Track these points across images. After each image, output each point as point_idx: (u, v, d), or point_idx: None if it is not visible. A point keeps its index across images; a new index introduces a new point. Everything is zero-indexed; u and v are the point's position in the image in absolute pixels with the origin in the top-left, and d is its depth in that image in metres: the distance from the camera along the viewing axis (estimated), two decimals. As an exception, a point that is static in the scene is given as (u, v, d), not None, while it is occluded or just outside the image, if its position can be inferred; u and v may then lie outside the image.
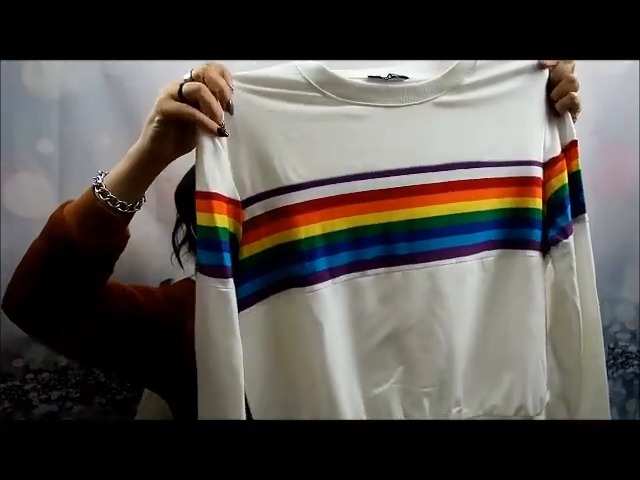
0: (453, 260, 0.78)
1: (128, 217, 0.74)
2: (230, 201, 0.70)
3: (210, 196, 0.68)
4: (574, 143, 0.83)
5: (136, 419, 1.05)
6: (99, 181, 0.71)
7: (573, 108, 0.81)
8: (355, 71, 0.77)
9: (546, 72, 0.81)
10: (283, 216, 0.71)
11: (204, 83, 0.67)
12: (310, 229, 0.72)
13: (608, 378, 1.45)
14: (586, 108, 1.32)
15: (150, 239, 1.15)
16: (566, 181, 0.82)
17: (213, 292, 0.69)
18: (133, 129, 1.14)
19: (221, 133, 0.68)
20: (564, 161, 0.82)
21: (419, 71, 0.79)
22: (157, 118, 0.67)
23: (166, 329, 0.82)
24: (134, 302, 0.81)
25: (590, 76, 1.30)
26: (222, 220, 0.68)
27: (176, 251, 0.97)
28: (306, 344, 0.74)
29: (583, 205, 0.83)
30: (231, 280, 0.70)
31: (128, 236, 0.77)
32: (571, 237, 0.82)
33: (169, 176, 1.15)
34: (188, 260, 1.00)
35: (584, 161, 1.37)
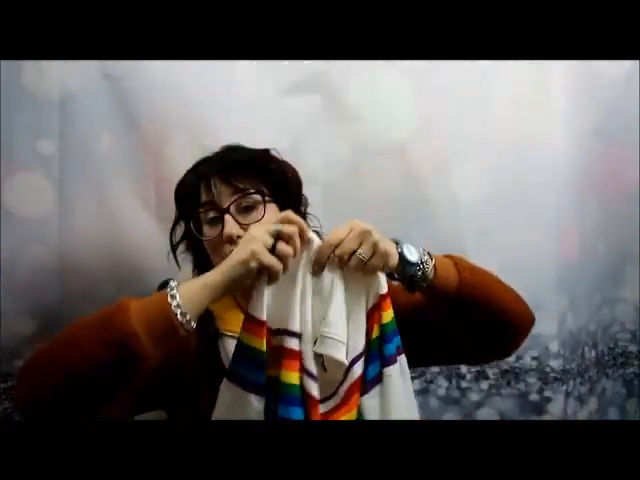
0: None
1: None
2: (269, 330, 0.74)
3: (263, 324, 0.73)
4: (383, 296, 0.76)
5: (136, 419, 1.05)
6: (176, 299, 0.69)
7: (364, 275, 0.75)
8: None
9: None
10: (282, 356, 0.74)
11: (287, 241, 0.72)
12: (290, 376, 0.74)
13: (608, 378, 1.48)
14: (587, 108, 1.34)
15: (150, 238, 1.15)
16: (377, 334, 0.77)
17: (248, 407, 0.73)
18: (132, 129, 1.14)
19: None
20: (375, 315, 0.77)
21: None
22: (253, 264, 0.71)
23: (167, 360, 0.83)
24: None
25: (591, 77, 1.30)
26: (264, 345, 0.73)
27: (173, 249, 0.96)
28: None
29: (390, 356, 0.77)
30: (264, 400, 0.73)
31: None
32: (375, 390, 0.77)
33: (168, 175, 1.16)
34: (185, 259, 1.00)
35: (585, 161, 1.39)
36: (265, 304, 0.73)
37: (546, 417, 1.28)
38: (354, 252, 0.73)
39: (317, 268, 0.74)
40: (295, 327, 0.73)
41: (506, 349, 0.95)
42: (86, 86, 1.11)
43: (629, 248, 1.40)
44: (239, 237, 0.83)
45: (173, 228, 0.94)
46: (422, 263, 0.79)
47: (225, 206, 0.85)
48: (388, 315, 0.76)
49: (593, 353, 1.39)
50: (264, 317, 0.73)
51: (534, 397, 1.29)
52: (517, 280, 1.05)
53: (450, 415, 1.29)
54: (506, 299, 0.88)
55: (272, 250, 0.72)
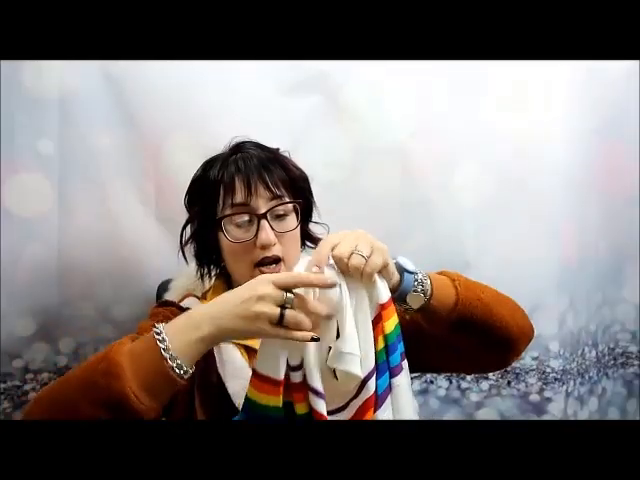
0: None
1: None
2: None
3: (279, 383, 0.70)
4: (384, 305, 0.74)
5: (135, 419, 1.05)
6: (166, 343, 0.66)
7: (364, 280, 0.72)
8: None
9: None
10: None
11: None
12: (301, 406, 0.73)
13: (608, 378, 1.48)
14: (587, 107, 1.34)
15: (150, 238, 1.16)
16: (382, 345, 0.75)
17: None
18: (132, 129, 1.14)
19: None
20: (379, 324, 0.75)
21: None
22: (254, 328, 0.67)
23: None
24: None
25: (591, 77, 1.30)
26: (281, 401, 0.71)
27: (182, 247, 0.95)
28: None
29: (396, 367, 0.76)
30: None
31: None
32: (387, 401, 0.76)
33: (168, 175, 1.16)
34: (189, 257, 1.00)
35: (585, 161, 1.39)
36: (282, 363, 0.70)
37: (546, 417, 1.28)
38: (352, 253, 0.70)
39: (317, 269, 0.70)
40: (296, 362, 0.71)
41: (505, 360, 0.94)
42: (86, 86, 1.11)
43: (629, 248, 1.40)
44: (273, 245, 0.83)
45: (186, 224, 0.92)
46: (419, 280, 0.77)
47: (262, 211, 0.83)
48: (391, 324, 0.75)
49: (593, 353, 1.40)
50: (281, 376, 0.70)
51: (534, 397, 1.30)
52: (517, 280, 1.06)
53: (450, 415, 1.30)
54: (505, 314, 0.86)
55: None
